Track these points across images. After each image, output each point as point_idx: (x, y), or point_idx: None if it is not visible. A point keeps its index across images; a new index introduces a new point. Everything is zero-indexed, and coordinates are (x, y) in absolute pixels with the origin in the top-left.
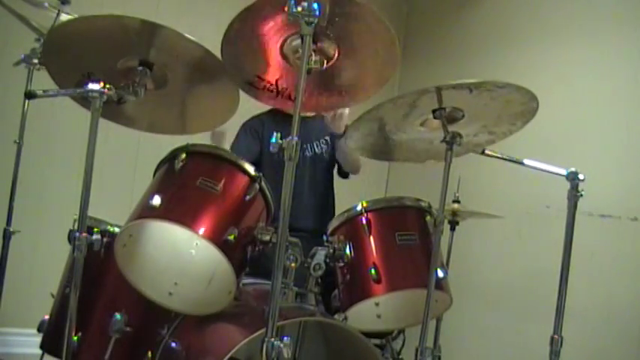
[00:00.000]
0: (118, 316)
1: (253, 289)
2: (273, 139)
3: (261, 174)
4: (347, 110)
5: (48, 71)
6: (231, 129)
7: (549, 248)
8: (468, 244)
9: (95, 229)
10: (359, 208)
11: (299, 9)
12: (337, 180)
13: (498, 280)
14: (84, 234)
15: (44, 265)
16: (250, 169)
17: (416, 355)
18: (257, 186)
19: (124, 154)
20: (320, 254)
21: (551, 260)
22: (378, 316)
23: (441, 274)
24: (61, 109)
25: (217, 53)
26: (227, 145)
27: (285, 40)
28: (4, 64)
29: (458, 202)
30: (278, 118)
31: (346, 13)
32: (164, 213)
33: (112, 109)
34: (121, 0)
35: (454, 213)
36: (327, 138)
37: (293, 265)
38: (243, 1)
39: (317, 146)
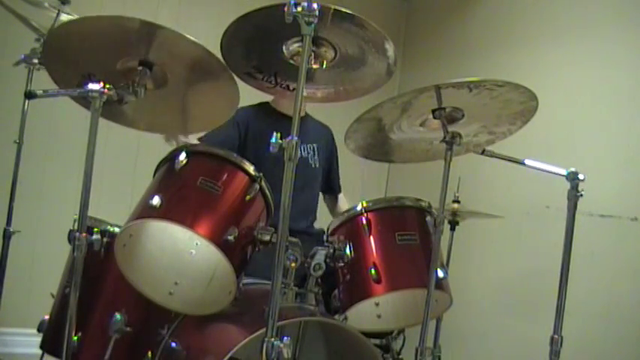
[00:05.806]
0: (118, 316)
1: (253, 289)
2: (274, 139)
3: (261, 174)
4: None
5: (48, 71)
6: None
7: (549, 248)
8: (468, 244)
9: (95, 229)
10: (359, 208)
11: (299, 9)
12: None
13: (498, 280)
14: (84, 234)
15: (44, 265)
16: (250, 168)
17: (416, 355)
18: (257, 186)
19: (124, 154)
20: (320, 254)
21: (551, 260)
22: (378, 316)
23: (441, 274)
24: (61, 109)
25: (217, 53)
26: None
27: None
28: (4, 64)
29: (458, 202)
30: (270, 116)
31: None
32: (164, 213)
33: (112, 109)
34: (121, 0)
35: (454, 213)
36: (315, 146)
37: (293, 265)
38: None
39: (304, 150)
